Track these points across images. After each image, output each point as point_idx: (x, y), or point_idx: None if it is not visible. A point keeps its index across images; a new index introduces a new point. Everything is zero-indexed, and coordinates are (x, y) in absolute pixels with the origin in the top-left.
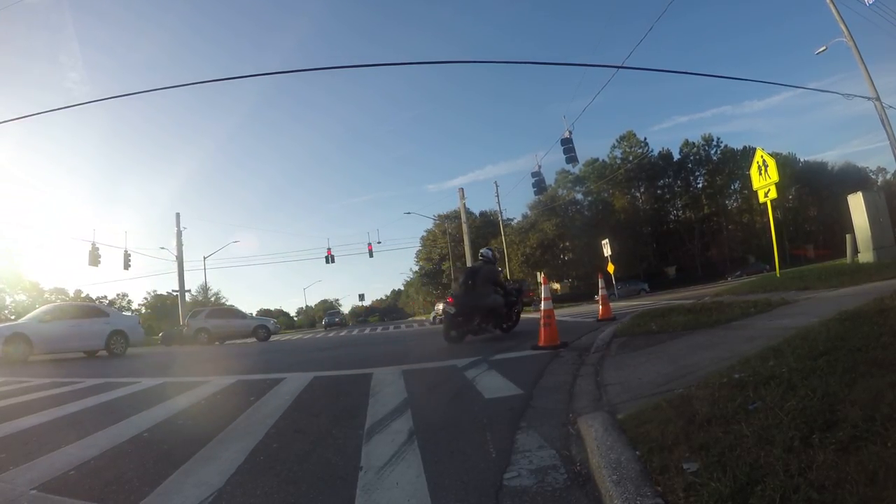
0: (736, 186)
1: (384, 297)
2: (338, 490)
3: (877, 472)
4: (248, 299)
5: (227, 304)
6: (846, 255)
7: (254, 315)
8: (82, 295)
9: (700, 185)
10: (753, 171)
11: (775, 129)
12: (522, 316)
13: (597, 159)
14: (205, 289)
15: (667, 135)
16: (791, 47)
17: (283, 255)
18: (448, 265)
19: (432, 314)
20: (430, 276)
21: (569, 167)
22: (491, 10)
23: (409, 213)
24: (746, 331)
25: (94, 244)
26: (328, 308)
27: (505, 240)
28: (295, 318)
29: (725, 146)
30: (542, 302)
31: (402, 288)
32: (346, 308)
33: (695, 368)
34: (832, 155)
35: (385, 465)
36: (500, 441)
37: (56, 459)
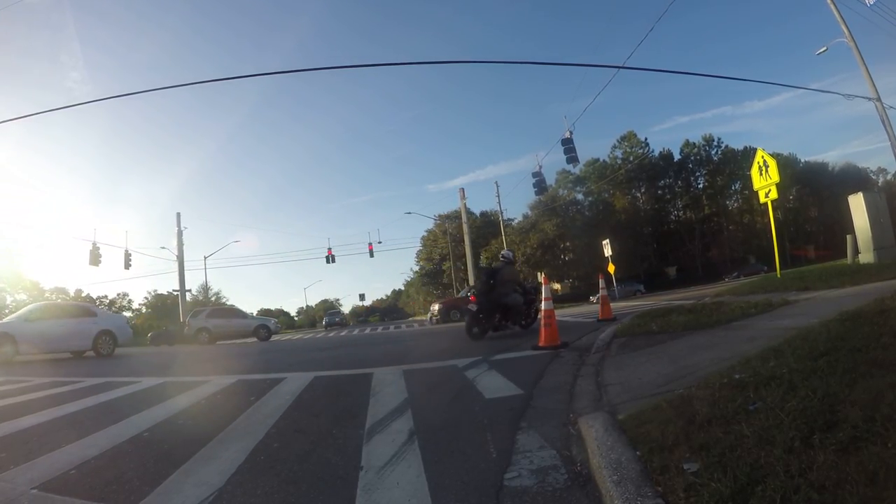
0: (736, 187)
1: (385, 297)
2: (338, 490)
3: (877, 472)
4: (249, 299)
5: (228, 303)
6: (847, 256)
7: (254, 315)
8: (83, 294)
9: (701, 186)
10: (754, 172)
11: (776, 130)
12: None
13: (597, 159)
14: (205, 288)
15: (667, 135)
16: (792, 48)
17: (284, 254)
18: (448, 265)
19: (429, 315)
20: (430, 276)
21: (569, 167)
22: (491, 10)
23: (409, 213)
24: (747, 331)
25: (94, 244)
26: (329, 308)
27: (505, 240)
28: (295, 318)
29: (726, 146)
30: (543, 302)
31: (403, 288)
32: (346, 308)
33: (695, 369)
34: (833, 155)
35: (385, 464)
36: (501, 441)
37: (56, 459)
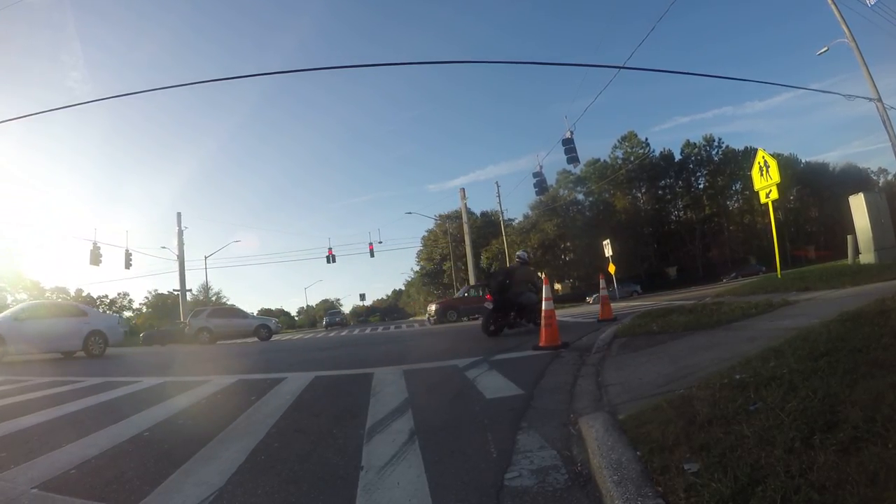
0: (737, 187)
1: (385, 297)
2: (339, 490)
3: (878, 472)
4: (250, 299)
5: (229, 303)
6: (847, 256)
7: (255, 315)
8: (83, 294)
9: (701, 186)
10: (755, 172)
11: (777, 130)
12: None
13: (598, 160)
14: (206, 288)
15: (668, 135)
16: (792, 48)
17: (284, 254)
18: (449, 265)
19: (426, 315)
20: (430, 276)
21: (570, 167)
22: (491, 10)
23: (410, 212)
24: (747, 331)
25: (95, 243)
26: (329, 308)
27: (506, 240)
28: (296, 318)
29: (727, 147)
30: (543, 302)
31: (403, 288)
32: (346, 308)
33: (696, 369)
34: (833, 156)
35: (386, 464)
36: (501, 441)
37: (57, 458)
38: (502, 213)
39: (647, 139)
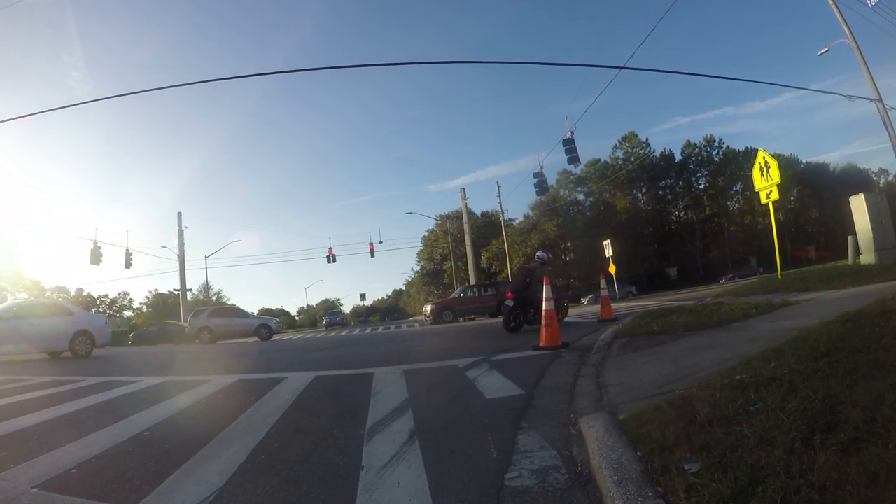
0: (738, 187)
1: (385, 297)
2: (339, 490)
3: (878, 473)
4: (250, 298)
5: (229, 303)
6: (848, 257)
7: (256, 314)
8: (84, 293)
9: (702, 186)
10: (755, 172)
11: (777, 130)
12: None
13: (598, 160)
14: (206, 288)
15: (668, 135)
16: (793, 48)
17: (285, 254)
18: (449, 265)
19: (423, 315)
20: (431, 277)
21: (570, 168)
22: (491, 10)
23: (410, 212)
24: (748, 332)
25: (95, 243)
26: (329, 308)
27: (506, 240)
28: (296, 318)
29: (727, 147)
30: (544, 303)
31: (404, 288)
32: (347, 308)
33: (696, 369)
34: (834, 156)
35: (386, 464)
36: (502, 441)
37: (57, 458)
38: (503, 213)
39: (647, 139)
